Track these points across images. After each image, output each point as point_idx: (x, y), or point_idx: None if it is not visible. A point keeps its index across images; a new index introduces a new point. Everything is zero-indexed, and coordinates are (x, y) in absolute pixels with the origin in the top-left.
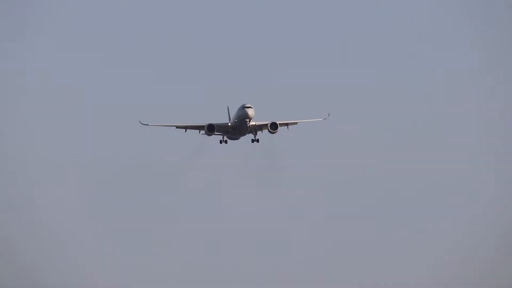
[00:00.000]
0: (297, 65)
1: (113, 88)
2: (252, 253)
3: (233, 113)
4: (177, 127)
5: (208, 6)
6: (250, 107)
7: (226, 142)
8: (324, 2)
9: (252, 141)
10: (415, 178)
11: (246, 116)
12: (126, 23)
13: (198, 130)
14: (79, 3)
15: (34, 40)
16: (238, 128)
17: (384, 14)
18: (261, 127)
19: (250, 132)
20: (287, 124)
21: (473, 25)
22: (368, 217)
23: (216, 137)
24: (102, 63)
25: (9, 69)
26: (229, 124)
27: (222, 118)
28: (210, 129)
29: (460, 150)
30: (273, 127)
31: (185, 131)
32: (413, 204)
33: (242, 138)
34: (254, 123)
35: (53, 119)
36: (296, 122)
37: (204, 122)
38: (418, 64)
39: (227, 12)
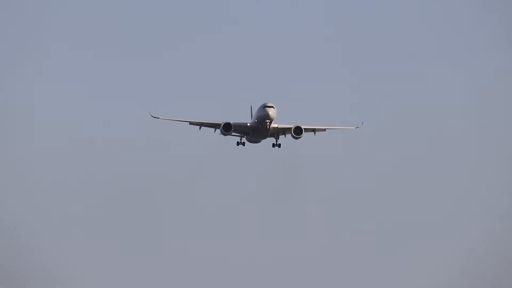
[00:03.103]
0: (333, 70)
1: (128, 80)
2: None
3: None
4: (191, 123)
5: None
6: (272, 106)
7: (243, 144)
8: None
9: (273, 145)
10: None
11: (267, 116)
12: (147, 12)
13: (214, 129)
14: None
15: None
16: (257, 129)
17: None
18: (284, 131)
19: (272, 135)
20: (314, 130)
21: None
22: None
23: (233, 138)
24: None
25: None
26: (248, 124)
27: (244, 118)
28: (227, 128)
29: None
30: (297, 131)
31: (199, 128)
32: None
33: (262, 141)
34: (276, 125)
35: (56, 116)
36: (325, 129)
37: (222, 119)
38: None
39: (258, 10)
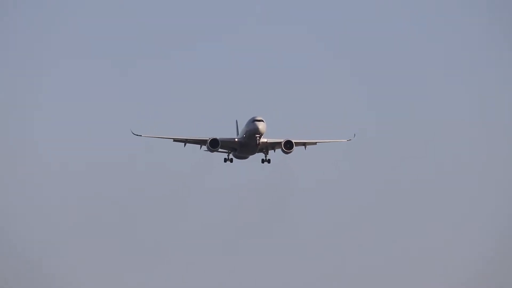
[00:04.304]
0: (320, 80)
1: (107, 94)
2: None
3: (241, 128)
4: (175, 140)
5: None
6: (262, 120)
7: (231, 161)
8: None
9: (263, 161)
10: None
11: (256, 131)
12: (127, 24)
13: (199, 145)
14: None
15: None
16: (246, 145)
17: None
18: (273, 145)
19: (261, 150)
20: (304, 144)
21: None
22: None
23: (220, 155)
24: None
25: None
26: (236, 139)
27: (229, 133)
28: (213, 144)
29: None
30: (288, 146)
31: (184, 145)
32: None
33: (250, 157)
34: (265, 140)
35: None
36: (315, 142)
37: (207, 135)
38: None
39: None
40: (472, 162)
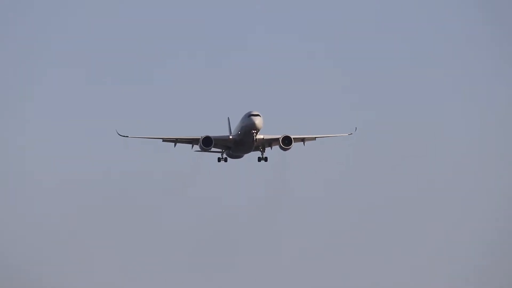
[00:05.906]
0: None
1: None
2: None
3: (234, 125)
4: (165, 140)
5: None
6: (258, 115)
7: (225, 160)
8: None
9: (259, 159)
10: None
11: (253, 126)
12: (120, 25)
13: (191, 144)
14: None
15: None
16: (242, 142)
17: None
18: (270, 142)
19: (257, 148)
20: (303, 139)
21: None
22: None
23: (212, 155)
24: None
25: None
26: (231, 137)
27: (221, 131)
28: (207, 143)
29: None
30: (286, 142)
31: (175, 145)
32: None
33: (245, 155)
34: (262, 136)
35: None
36: (315, 137)
37: (199, 134)
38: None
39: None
40: (471, 161)
